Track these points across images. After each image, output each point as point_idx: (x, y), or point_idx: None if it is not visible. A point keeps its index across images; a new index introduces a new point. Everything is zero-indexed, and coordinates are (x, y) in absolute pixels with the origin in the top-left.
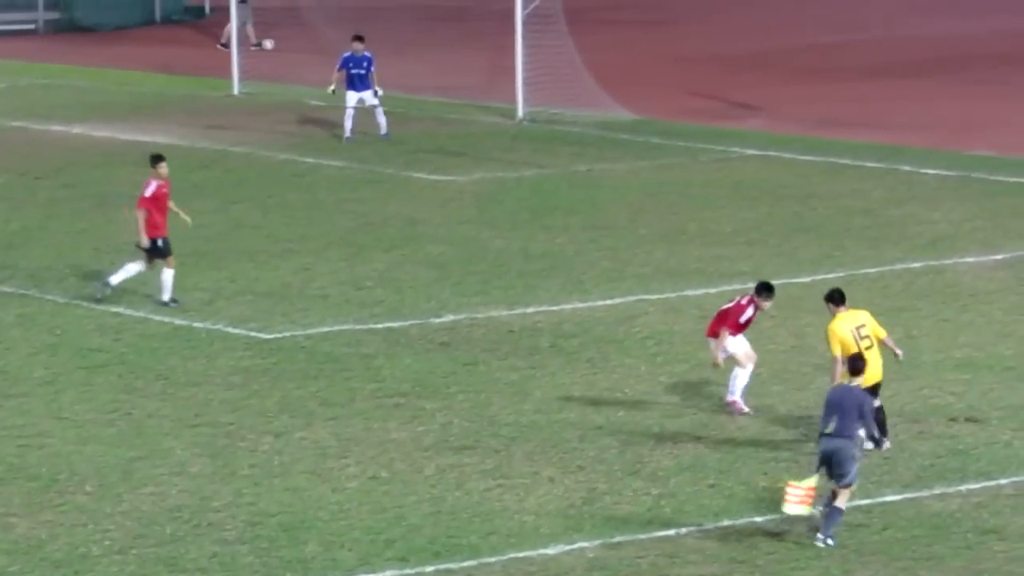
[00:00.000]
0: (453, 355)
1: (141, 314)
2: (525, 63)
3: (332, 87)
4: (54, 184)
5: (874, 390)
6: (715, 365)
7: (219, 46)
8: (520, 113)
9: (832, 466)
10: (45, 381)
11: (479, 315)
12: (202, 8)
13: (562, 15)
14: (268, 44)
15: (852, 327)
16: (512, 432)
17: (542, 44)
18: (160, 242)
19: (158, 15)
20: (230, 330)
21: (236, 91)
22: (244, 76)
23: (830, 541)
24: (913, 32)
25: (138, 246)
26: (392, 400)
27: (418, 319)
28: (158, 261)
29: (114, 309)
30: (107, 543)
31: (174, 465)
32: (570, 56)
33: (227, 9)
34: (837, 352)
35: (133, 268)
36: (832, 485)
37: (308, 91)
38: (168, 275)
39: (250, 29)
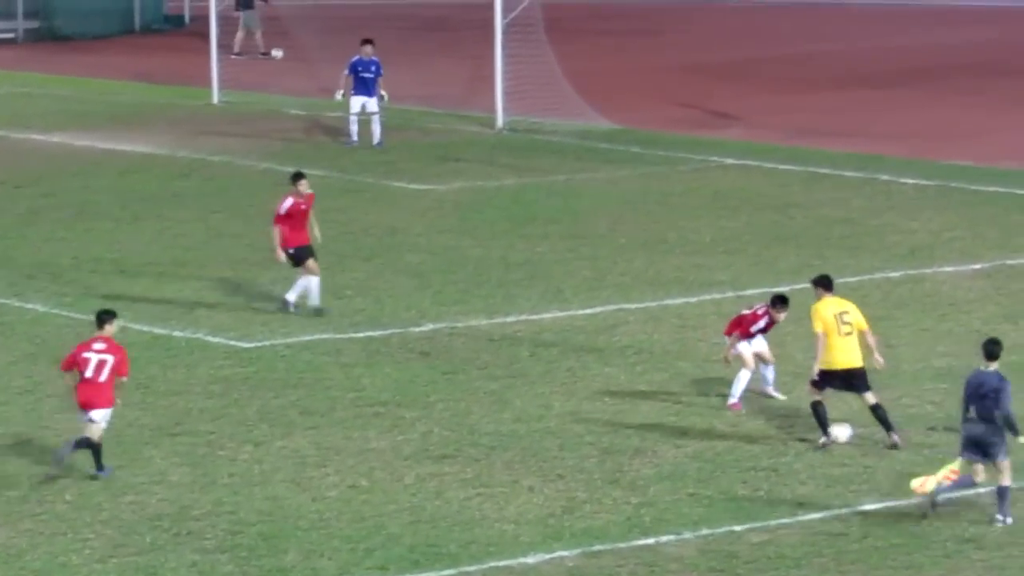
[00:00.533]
0: (433, 364)
1: (120, 323)
2: (505, 73)
3: (340, 92)
4: (34, 193)
5: (851, 377)
6: (725, 360)
7: (232, 56)
8: (500, 122)
9: (981, 448)
10: (25, 390)
11: (459, 324)
12: (182, 17)
13: (542, 25)
14: (277, 53)
15: (836, 311)
16: (492, 441)
17: (522, 54)
18: (292, 251)
19: (137, 24)
20: (210, 339)
21: (216, 100)
22: (224, 85)
23: (1008, 519)
24: (891, 42)
25: (279, 261)
26: (372, 409)
27: (398, 328)
28: (299, 270)
29: (93, 319)
30: (87, 552)
31: (154, 474)
32: (550, 66)
33: (207, 18)
34: (819, 329)
35: (303, 281)
36: (987, 467)
37: (288, 100)
38: (313, 282)
39: (259, 38)
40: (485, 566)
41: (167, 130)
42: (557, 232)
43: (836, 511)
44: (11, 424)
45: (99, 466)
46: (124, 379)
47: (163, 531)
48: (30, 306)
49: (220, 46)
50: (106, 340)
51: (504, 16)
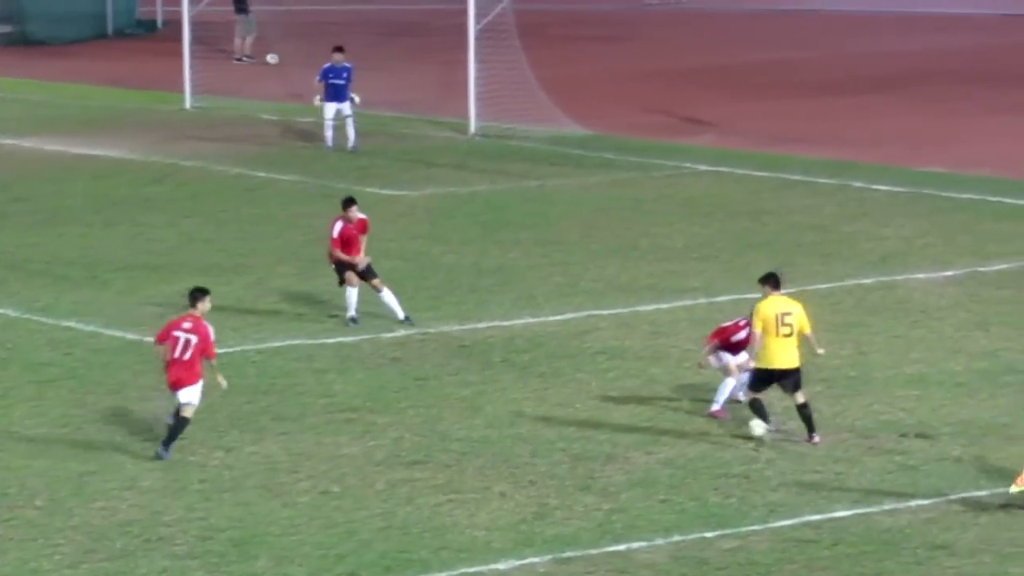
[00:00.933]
0: (404, 370)
1: (92, 328)
2: (478, 78)
3: (317, 97)
4: (5, 198)
5: (784, 376)
6: (700, 366)
7: (234, 60)
8: (472, 128)
9: None
10: None
11: (431, 330)
12: (154, 22)
13: (515, 30)
14: (271, 58)
15: (778, 311)
16: (463, 447)
17: (495, 59)
18: (336, 268)
19: (110, 29)
20: None
21: (188, 105)
22: (196, 90)
23: None
24: (865, 49)
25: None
26: (343, 415)
27: (370, 334)
28: (374, 283)
29: (65, 323)
30: (57, 558)
31: (125, 480)
32: (523, 71)
33: (179, 23)
34: (758, 329)
35: (388, 296)
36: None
37: (261, 105)
38: (386, 297)
39: (249, 42)
40: (456, 572)
41: (139, 135)
42: (529, 238)
43: (807, 518)
44: None
45: (166, 447)
46: (213, 361)
47: (134, 537)
48: (1, 311)
49: (193, 51)
50: (194, 319)
51: (477, 22)
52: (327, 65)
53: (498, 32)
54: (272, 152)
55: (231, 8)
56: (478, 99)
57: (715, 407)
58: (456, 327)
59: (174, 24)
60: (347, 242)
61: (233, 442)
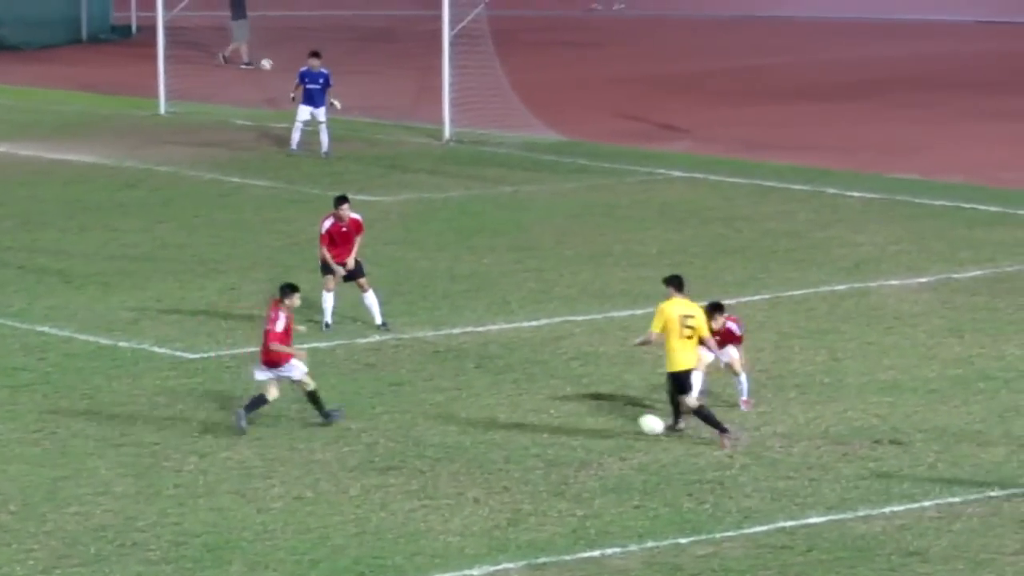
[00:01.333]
0: (379, 376)
1: (66, 333)
2: (452, 84)
3: (292, 95)
4: None
5: (682, 378)
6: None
7: (241, 66)
8: (447, 134)
9: None
10: None
11: (405, 336)
12: (129, 27)
13: (489, 36)
14: (266, 64)
15: (681, 313)
16: (437, 453)
17: (469, 65)
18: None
19: (84, 34)
20: (155, 349)
21: (163, 110)
22: (170, 95)
23: None
24: (838, 56)
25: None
26: (317, 420)
27: (344, 340)
28: (360, 282)
29: (39, 328)
30: (31, 563)
31: (99, 485)
32: (497, 77)
33: (154, 28)
34: (657, 329)
35: (371, 298)
36: None
37: (235, 111)
38: (369, 297)
39: (244, 48)
40: None
41: (114, 140)
42: (503, 244)
43: (781, 524)
44: None
45: (326, 414)
46: (272, 345)
47: (108, 542)
48: None
49: (167, 56)
50: (279, 309)
51: (451, 27)
52: (304, 69)
53: (472, 38)
54: (246, 157)
55: (225, 13)
56: (452, 105)
57: (742, 400)
58: (430, 333)
59: (148, 30)
60: (336, 240)
61: (207, 447)
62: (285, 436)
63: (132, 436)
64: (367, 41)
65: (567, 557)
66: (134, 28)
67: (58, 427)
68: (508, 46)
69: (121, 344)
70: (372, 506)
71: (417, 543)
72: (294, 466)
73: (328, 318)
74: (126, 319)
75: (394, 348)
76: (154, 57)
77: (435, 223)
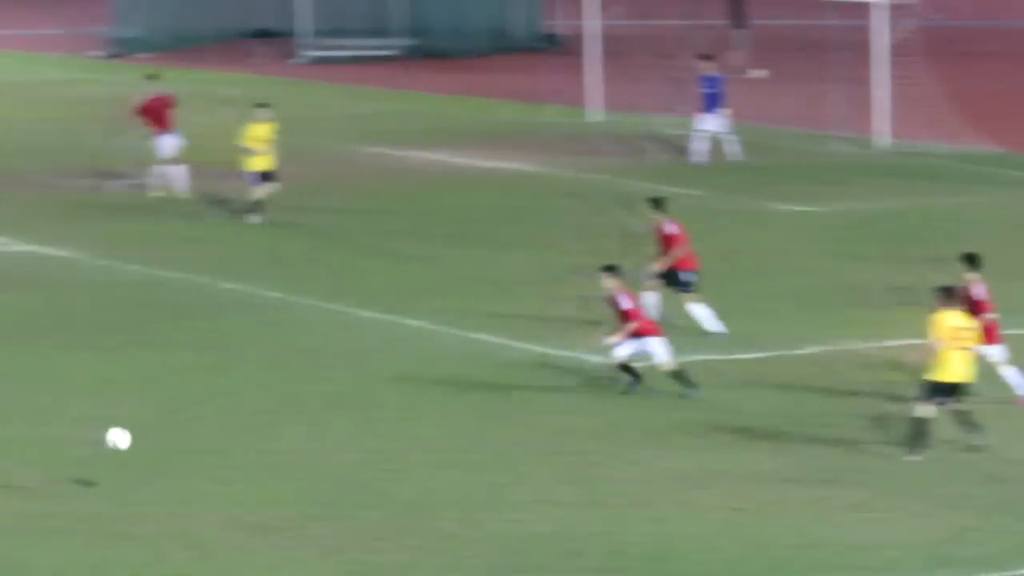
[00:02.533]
0: (815, 389)
1: (502, 341)
2: (885, 94)
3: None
4: (412, 210)
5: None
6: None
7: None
8: (881, 143)
9: None
10: (403, 407)
11: (839, 348)
12: (553, 36)
13: (921, 45)
14: (760, 73)
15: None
16: (877, 466)
17: (902, 75)
18: (681, 275)
19: (510, 42)
20: (587, 358)
21: (591, 118)
22: (601, 104)
23: None
24: None
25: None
26: (752, 431)
27: (777, 351)
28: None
29: (475, 336)
30: (467, 569)
31: (538, 492)
32: (932, 87)
33: (579, 37)
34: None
35: (650, 299)
36: None
37: (664, 119)
38: (696, 308)
39: (739, 56)
40: None
41: (544, 148)
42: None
43: None
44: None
45: (688, 386)
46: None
47: (545, 550)
48: (417, 323)
49: (593, 64)
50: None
51: (885, 38)
52: (702, 75)
53: (905, 48)
54: (673, 166)
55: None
56: (885, 114)
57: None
58: (860, 345)
59: (574, 38)
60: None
61: (644, 457)
62: (721, 447)
63: (569, 444)
64: (797, 51)
65: (1009, 574)
66: (559, 36)
67: (496, 434)
68: (944, 57)
69: (550, 352)
70: (811, 518)
71: (857, 556)
72: (731, 476)
73: (711, 326)
74: (559, 328)
75: (829, 359)
76: (579, 66)
77: (866, 232)
